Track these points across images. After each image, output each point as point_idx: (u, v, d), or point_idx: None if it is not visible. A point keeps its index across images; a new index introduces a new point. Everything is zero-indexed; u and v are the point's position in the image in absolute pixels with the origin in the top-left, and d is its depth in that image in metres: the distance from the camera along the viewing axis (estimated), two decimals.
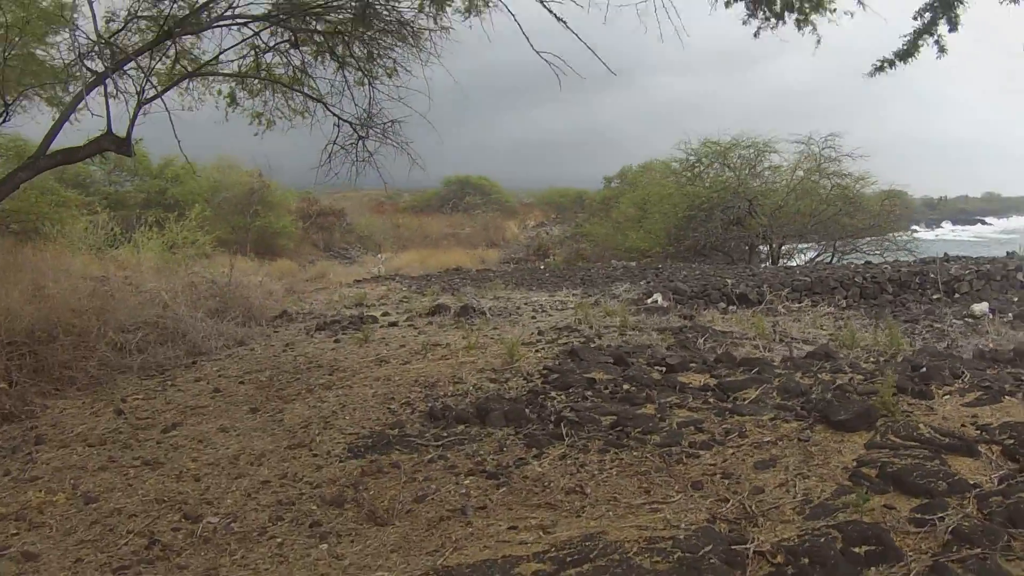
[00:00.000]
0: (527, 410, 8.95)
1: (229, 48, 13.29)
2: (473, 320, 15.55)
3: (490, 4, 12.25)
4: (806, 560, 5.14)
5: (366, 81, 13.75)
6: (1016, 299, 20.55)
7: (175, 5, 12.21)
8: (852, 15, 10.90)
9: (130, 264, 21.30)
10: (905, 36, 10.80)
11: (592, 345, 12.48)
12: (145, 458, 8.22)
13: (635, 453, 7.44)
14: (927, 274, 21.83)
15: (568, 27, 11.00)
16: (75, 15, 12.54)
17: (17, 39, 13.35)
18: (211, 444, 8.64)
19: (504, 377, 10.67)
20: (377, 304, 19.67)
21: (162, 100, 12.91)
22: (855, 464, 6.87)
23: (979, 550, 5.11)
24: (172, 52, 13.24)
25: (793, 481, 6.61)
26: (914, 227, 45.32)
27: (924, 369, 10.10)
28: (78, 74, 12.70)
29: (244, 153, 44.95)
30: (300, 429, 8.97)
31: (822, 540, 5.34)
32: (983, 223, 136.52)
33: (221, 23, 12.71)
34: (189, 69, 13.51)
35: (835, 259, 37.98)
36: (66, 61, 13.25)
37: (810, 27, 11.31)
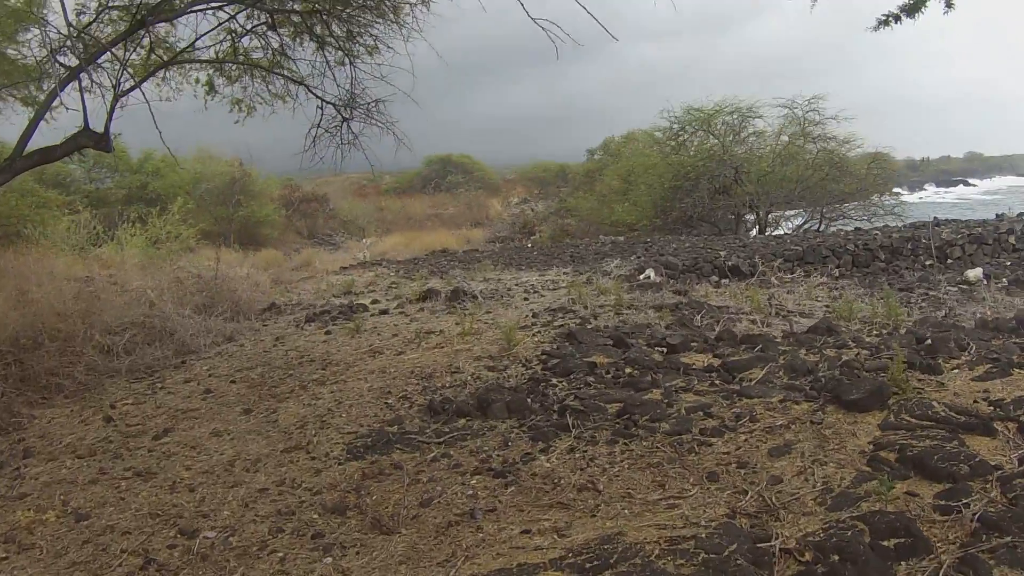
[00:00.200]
0: (529, 400, 8.72)
1: (205, 34, 13.04)
2: (465, 304, 15.29)
3: None
4: (836, 557, 4.95)
5: (347, 61, 13.50)
6: (1009, 263, 20.57)
7: None
8: None
9: (114, 262, 21.04)
10: None
11: (589, 326, 12.25)
12: (137, 468, 7.99)
13: (645, 443, 7.22)
14: (919, 240, 21.81)
15: None
16: (44, 11, 12.31)
17: None
18: (204, 450, 8.39)
19: (502, 365, 10.42)
20: (366, 291, 19.39)
21: (141, 91, 12.70)
22: (872, 447, 6.71)
23: (1009, 538, 4.96)
24: (147, 42, 12.98)
25: (811, 468, 6.42)
26: (897, 190, 45.09)
27: (929, 342, 9.93)
28: (51, 71, 12.45)
29: (224, 143, 44.77)
30: (296, 430, 8.70)
31: (849, 534, 5.16)
32: (966, 184, 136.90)
33: (196, 8, 12.45)
34: (165, 58, 13.25)
35: (823, 226, 37.79)
36: (38, 58, 12.95)
37: None
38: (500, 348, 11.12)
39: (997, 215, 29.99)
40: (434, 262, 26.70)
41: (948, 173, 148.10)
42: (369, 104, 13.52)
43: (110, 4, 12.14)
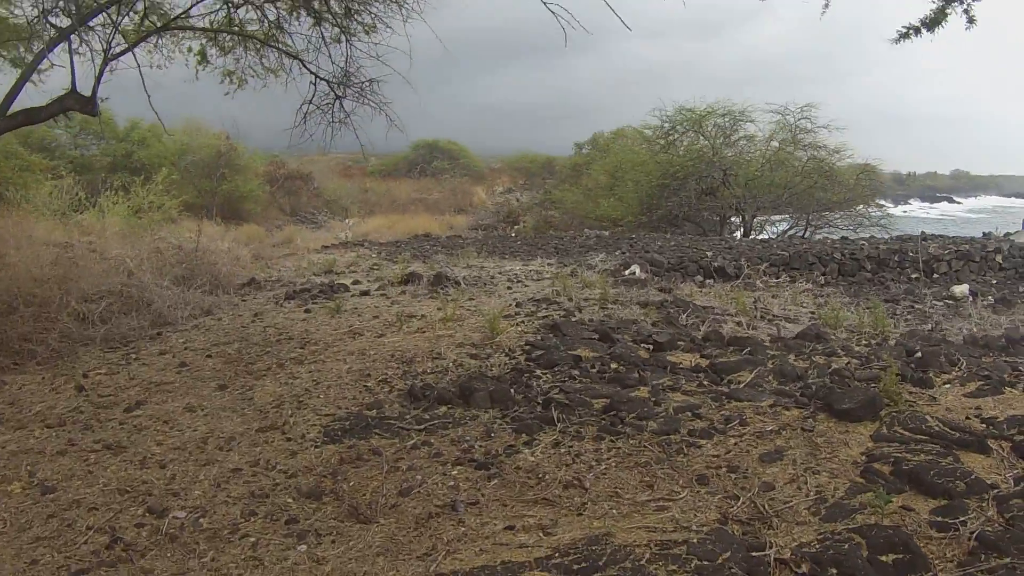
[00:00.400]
0: (512, 390, 8.55)
1: (200, 1, 12.76)
2: (447, 290, 15.11)
3: None
4: (833, 571, 4.81)
5: (343, 38, 13.26)
6: (995, 281, 20.56)
7: None
8: None
9: (95, 230, 20.77)
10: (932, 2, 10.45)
11: (574, 319, 12.06)
12: (107, 441, 7.73)
13: (632, 441, 7.05)
14: (906, 252, 21.70)
15: None
16: None
17: None
18: (177, 425, 8.15)
19: (485, 353, 10.22)
20: (347, 271, 19.21)
21: (133, 55, 12.50)
22: (865, 458, 6.60)
23: (1008, 560, 4.84)
24: (140, 7, 12.72)
25: (803, 476, 6.28)
26: (882, 202, 45.09)
27: (920, 355, 9.81)
28: (43, 32, 12.23)
29: (212, 116, 44.54)
30: (272, 409, 8.48)
31: (846, 547, 5.02)
32: (950, 201, 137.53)
33: None
34: (158, 24, 12.96)
35: (808, 233, 37.73)
36: (29, 18, 12.70)
37: None
38: (483, 336, 10.91)
39: (984, 233, 29.96)
40: (417, 246, 26.57)
41: (934, 189, 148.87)
42: (363, 83, 13.32)
43: None
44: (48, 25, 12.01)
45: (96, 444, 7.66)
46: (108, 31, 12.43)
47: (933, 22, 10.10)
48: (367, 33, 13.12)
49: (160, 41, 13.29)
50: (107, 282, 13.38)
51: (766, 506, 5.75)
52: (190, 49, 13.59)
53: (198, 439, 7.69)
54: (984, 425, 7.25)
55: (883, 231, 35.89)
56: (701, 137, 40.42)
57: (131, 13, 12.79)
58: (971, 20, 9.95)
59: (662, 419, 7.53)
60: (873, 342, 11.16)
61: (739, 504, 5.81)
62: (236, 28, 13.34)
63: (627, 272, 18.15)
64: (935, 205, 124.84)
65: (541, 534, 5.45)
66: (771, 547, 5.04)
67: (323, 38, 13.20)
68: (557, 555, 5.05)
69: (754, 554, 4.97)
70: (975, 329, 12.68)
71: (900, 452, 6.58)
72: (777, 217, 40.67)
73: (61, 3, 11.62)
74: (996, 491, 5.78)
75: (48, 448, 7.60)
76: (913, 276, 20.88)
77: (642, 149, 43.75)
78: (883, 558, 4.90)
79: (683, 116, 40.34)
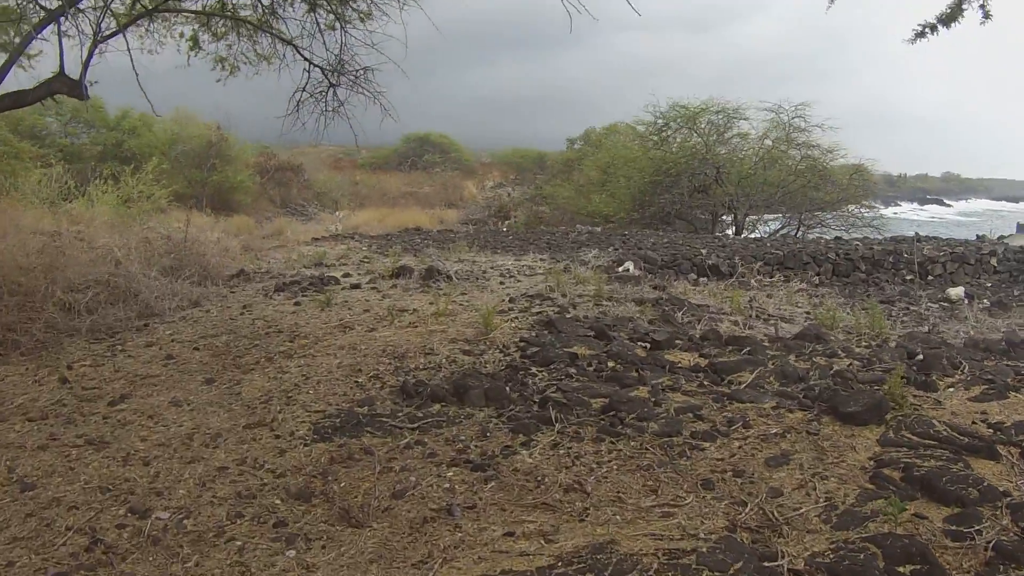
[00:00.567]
0: (508, 388, 8.31)
1: None
2: (439, 284, 14.92)
3: None
4: None
5: (338, 25, 13.06)
6: (990, 284, 20.51)
7: None
8: None
9: (83, 218, 20.59)
10: None
11: (568, 316, 11.85)
12: (89, 436, 7.49)
13: (633, 443, 6.82)
14: (900, 253, 21.59)
15: None
16: None
17: None
18: (162, 420, 7.91)
19: (479, 349, 9.98)
20: (337, 264, 19.06)
21: (124, 38, 12.30)
22: (873, 464, 6.39)
23: None
24: None
25: (811, 482, 6.07)
26: (872, 204, 45.07)
27: (921, 357, 9.67)
28: (32, 15, 12.05)
29: (203, 106, 44.57)
30: (260, 405, 8.23)
31: (861, 557, 4.82)
32: (941, 203, 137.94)
33: None
34: (149, 7, 12.72)
35: (800, 233, 37.65)
36: (18, 2, 12.49)
37: None
38: (476, 332, 10.69)
39: (977, 236, 29.95)
40: (407, 239, 26.43)
41: (924, 191, 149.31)
42: (358, 71, 13.12)
43: None
44: (38, 7, 11.82)
45: (78, 439, 7.43)
46: (99, 14, 12.20)
47: (949, 18, 9.98)
48: (362, 20, 12.96)
49: (152, 26, 13.12)
50: (94, 272, 13.15)
51: (775, 513, 5.55)
52: (182, 35, 13.43)
53: (183, 435, 7.45)
54: (991, 430, 7.08)
55: (875, 232, 35.83)
56: (694, 134, 40.36)
57: None
58: (987, 15, 9.82)
59: (663, 420, 7.31)
60: (873, 343, 10.98)
61: (747, 511, 5.60)
62: (229, 12, 13.09)
63: (621, 269, 17.98)
64: (925, 207, 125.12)
65: (542, 541, 5.22)
66: (783, 557, 4.85)
67: (318, 25, 13.03)
68: (560, 564, 4.83)
69: (766, 564, 4.77)
70: (972, 332, 12.56)
71: (909, 457, 6.39)
72: (769, 216, 40.57)
73: None
74: (1009, 499, 5.59)
75: (29, 442, 7.37)
76: (908, 278, 20.82)
77: (635, 145, 43.74)
78: (900, 569, 4.72)
79: (677, 112, 40.25)
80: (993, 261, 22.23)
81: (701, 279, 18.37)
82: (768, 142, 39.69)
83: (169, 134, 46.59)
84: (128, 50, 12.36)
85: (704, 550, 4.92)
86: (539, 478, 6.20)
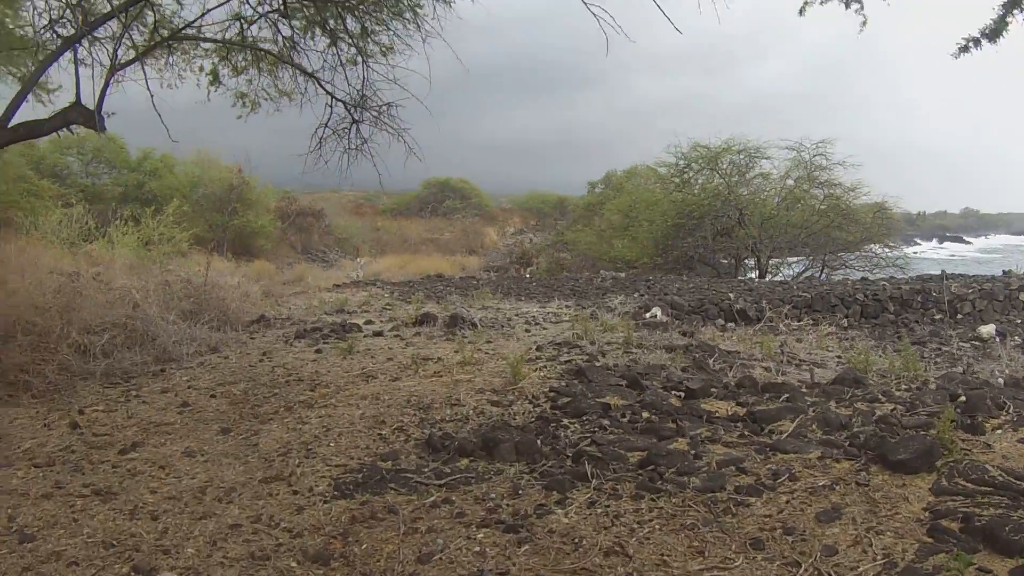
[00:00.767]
0: (539, 441, 7.89)
1: (212, 9, 12.44)
2: (464, 332, 14.61)
3: None
4: None
5: (359, 59, 12.90)
6: (1020, 321, 20.34)
7: None
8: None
9: (103, 260, 20.43)
10: (994, 9, 10.15)
11: (598, 364, 11.53)
12: (96, 486, 7.11)
13: (675, 500, 6.38)
14: (928, 292, 21.36)
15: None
16: None
17: None
18: (174, 471, 7.53)
19: (507, 400, 9.61)
20: (359, 311, 18.80)
21: (142, 69, 12.15)
22: (929, 515, 5.99)
23: None
24: (150, 20, 12.37)
25: (866, 537, 5.65)
26: (893, 243, 44.84)
27: (964, 399, 9.32)
28: (50, 43, 11.91)
29: (223, 145, 44.78)
30: (278, 457, 7.84)
31: None
32: (961, 241, 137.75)
33: None
34: (167, 35, 12.59)
35: (824, 274, 37.37)
36: (36, 29, 12.38)
37: (857, 4, 10.85)
38: (504, 381, 10.34)
39: (1004, 271, 29.62)
40: (430, 286, 26.31)
41: (943, 228, 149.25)
42: (381, 107, 12.90)
43: None
44: (55, 36, 11.69)
45: (85, 488, 7.07)
46: (115, 42, 12.07)
47: (994, 32, 9.78)
48: (384, 55, 12.80)
49: (171, 59, 12.97)
50: (111, 314, 12.98)
51: (832, 573, 5.16)
52: (201, 68, 13.25)
53: (196, 488, 7.05)
54: None
55: (899, 271, 35.63)
56: (716, 175, 40.23)
57: (141, 27, 12.44)
58: None
59: (704, 474, 6.91)
60: (913, 386, 10.63)
61: (801, 572, 5.19)
62: (249, 43, 12.89)
63: (648, 315, 17.75)
64: (944, 245, 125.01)
65: None
66: None
67: (339, 59, 12.86)
68: None
69: None
70: (1008, 371, 12.39)
71: (966, 506, 6.05)
72: (792, 259, 40.36)
73: (67, 12, 11.28)
74: None
75: (33, 490, 7.03)
76: (937, 317, 20.59)
77: (656, 188, 43.63)
78: None
79: (698, 153, 40.15)
80: (1022, 296, 22.01)
81: (729, 324, 18.21)
82: (790, 181, 39.72)
83: (190, 176, 46.95)
84: (145, 79, 12.29)
85: None
86: (576, 540, 5.76)
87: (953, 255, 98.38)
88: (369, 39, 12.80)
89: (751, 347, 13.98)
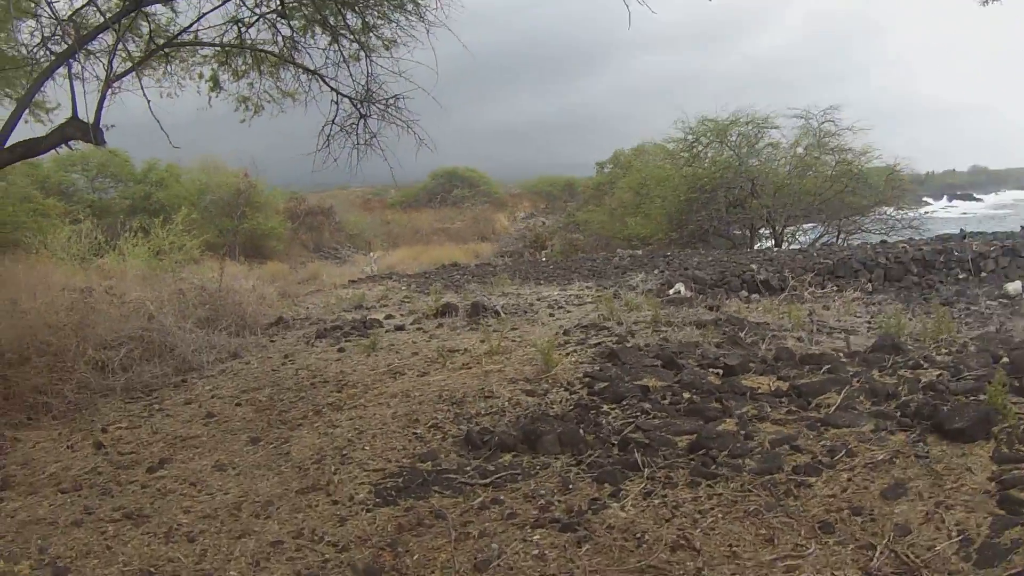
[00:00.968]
0: (581, 430, 7.61)
1: (208, 12, 12.29)
2: (487, 320, 14.33)
3: None
4: None
5: (362, 54, 12.71)
6: None
7: None
8: None
9: (115, 273, 20.26)
10: None
11: (628, 345, 11.23)
12: (127, 509, 6.84)
13: (732, 485, 6.10)
14: (951, 252, 21.01)
15: None
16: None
17: None
18: (206, 488, 7.27)
19: (542, 388, 9.33)
20: (378, 306, 18.57)
21: (139, 79, 11.92)
22: (996, 485, 5.69)
23: None
24: (145, 31, 12.17)
25: (937, 513, 5.39)
26: (908, 205, 44.45)
27: (1008, 360, 8.96)
28: (44, 61, 11.68)
29: (228, 152, 44.83)
30: (312, 465, 7.58)
31: None
32: (971, 198, 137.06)
33: None
34: (161, 43, 12.40)
35: (841, 239, 37.10)
36: (29, 47, 12.16)
37: None
38: (536, 369, 10.04)
39: (1022, 227, 29.26)
40: (446, 276, 26.08)
41: (952, 186, 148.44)
42: (388, 100, 12.66)
43: None
44: (49, 53, 11.51)
45: (115, 512, 6.81)
46: (109, 55, 11.86)
47: None
48: (387, 48, 12.62)
49: (169, 68, 12.73)
50: (127, 327, 12.75)
51: (909, 555, 4.90)
52: (201, 75, 13.03)
53: (230, 504, 6.79)
54: None
55: (916, 232, 35.28)
56: (726, 147, 39.94)
57: (136, 38, 12.24)
58: None
59: (759, 455, 6.64)
60: (952, 349, 10.37)
61: (878, 555, 4.93)
62: (248, 45, 12.65)
63: (671, 291, 17.54)
64: (953, 203, 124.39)
65: None
66: None
67: (342, 56, 12.64)
68: None
69: None
70: None
71: None
72: (807, 225, 40.12)
73: (59, 28, 11.04)
74: None
75: (62, 518, 6.77)
76: (961, 276, 20.24)
77: (666, 164, 43.37)
78: None
79: (706, 127, 39.88)
80: None
81: (753, 296, 17.92)
82: (800, 150, 39.45)
83: (197, 184, 47.10)
84: (142, 87, 12.11)
85: None
86: (638, 535, 5.46)
87: (965, 213, 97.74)
88: (371, 33, 12.62)
89: (779, 317, 13.77)
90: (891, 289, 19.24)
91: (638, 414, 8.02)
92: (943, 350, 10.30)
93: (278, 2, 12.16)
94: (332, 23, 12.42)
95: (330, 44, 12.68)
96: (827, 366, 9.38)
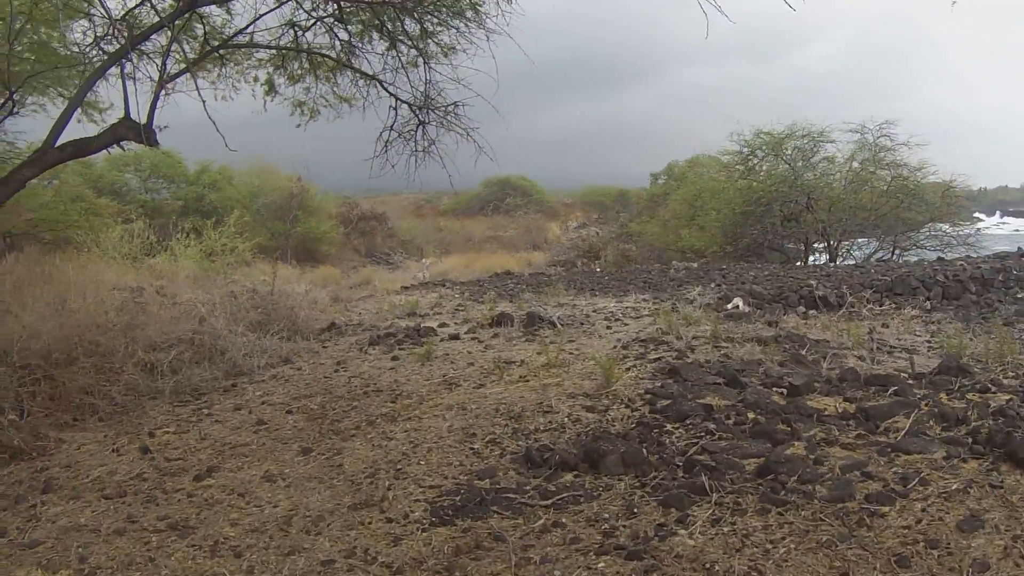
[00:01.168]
0: (644, 450, 7.36)
1: (264, 14, 12.22)
2: (544, 331, 14.14)
3: None
4: None
5: (420, 61, 12.59)
6: None
7: None
8: None
9: (167, 273, 20.23)
10: None
11: (689, 361, 10.99)
12: (172, 519, 6.68)
13: (804, 513, 5.85)
14: (1009, 271, 20.62)
15: None
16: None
17: (27, 24, 12.16)
18: (255, 499, 7.09)
19: (602, 404, 9.09)
20: (431, 313, 18.39)
21: (194, 81, 11.77)
22: None
23: None
24: (200, 32, 12.09)
25: (1015, 547, 5.18)
26: (962, 221, 44.06)
27: None
28: (97, 61, 11.56)
29: (280, 155, 44.96)
30: (365, 479, 7.36)
31: None
32: (1022, 215, 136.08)
33: None
34: (216, 45, 12.37)
35: (896, 255, 36.76)
36: (82, 47, 12.10)
37: None
38: (595, 384, 9.82)
39: None
40: (499, 284, 25.81)
41: (1004, 203, 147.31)
42: (447, 107, 12.49)
43: None
44: (102, 52, 11.44)
45: (160, 522, 6.65)
46: (163, 55, 11.83)
47: None
48: (445, 55, 12.52)
49: (223, 70, 12.64)
50: (177, 329, 12.68)
51: None
52: (256, 79, 12.94)
53: (280, 518, 6.60)
54: None
55: (971, 250, 34.89)
56: (781, 161, 39.63)
57: (190, 39, 12.16)
58: None
59: (829, 482, 6.38)
60: (1020, 372, 10.07)
61: None
62: (305, 46, 12.56)
63: (730, 306, 17.27)
64: (1005, 219, 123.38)
65: None
66: None
67: (400, 62, 12.49)
68: None
69: None
70: None
71: None
72: (861, 240, 39.79)
73: (113, 28, 10.94)
74: None
75: (104, 525, 6.62)
76: (1020, 296, 19.88)
77: (721, 176, 43.11)
78: None
79: (761, 140, 39.59)
80: None
81: (810, 312, 17.60)
82: (856, 164, 39.00)
83: (250, 187, 47.40)
84: (197, 88, 11.88)
85: None
86: (708, 566, 5.22)
87: (1017, 230, 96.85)
88: (430, 40, 12.52)
89: (838, 335, 13.44)
90: (949, 307, 18.92)
91: (703, 434, 7.81)
92: (1010, 373, 10.03)
93: (335, 6, 12.03)
94: (390, 29, 12.30)
95: (388, 49, 12.59)
96: (893, 388, 9.15)
